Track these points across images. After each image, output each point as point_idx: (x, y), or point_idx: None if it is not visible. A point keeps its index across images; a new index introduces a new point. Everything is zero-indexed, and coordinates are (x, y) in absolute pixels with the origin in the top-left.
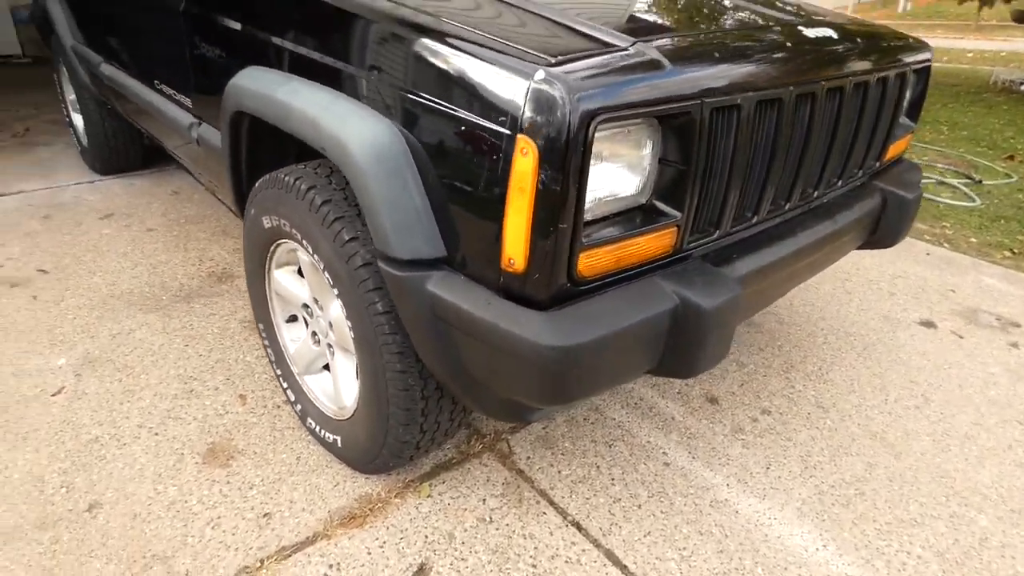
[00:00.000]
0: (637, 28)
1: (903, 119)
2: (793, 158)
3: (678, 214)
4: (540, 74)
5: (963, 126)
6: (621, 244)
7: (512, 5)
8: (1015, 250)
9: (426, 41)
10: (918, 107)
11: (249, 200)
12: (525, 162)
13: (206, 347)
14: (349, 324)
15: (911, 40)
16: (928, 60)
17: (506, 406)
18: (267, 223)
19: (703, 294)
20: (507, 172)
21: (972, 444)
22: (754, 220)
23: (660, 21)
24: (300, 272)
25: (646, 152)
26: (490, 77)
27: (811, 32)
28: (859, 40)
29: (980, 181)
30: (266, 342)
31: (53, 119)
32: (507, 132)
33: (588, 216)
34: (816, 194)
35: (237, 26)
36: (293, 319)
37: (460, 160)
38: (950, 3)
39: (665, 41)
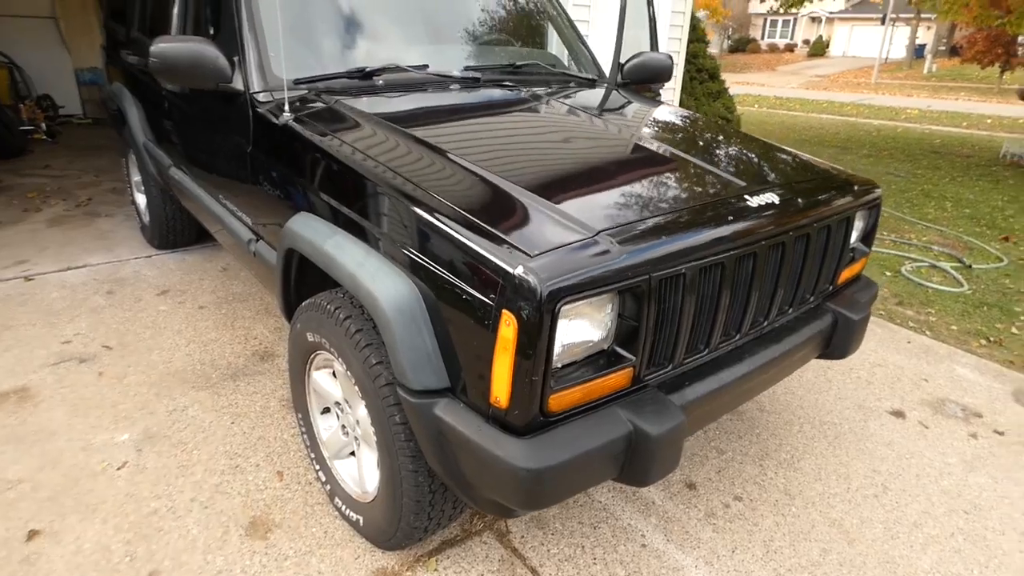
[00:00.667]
0: (604, 213)
1: (858, 245)
2: (739, 302)
3: (633, 357)
4: (520, 269)
5: (967, 203)
6: (586, 385)
7: (504, 191)
8: (991, 338)
9: (436, 223)
10: (871, 235)
11: (296, 314)
12: (508, 330)
13: (249, 424)
14: (373, 429)
15: (857, 185)
16: (876, 199)
17: (493, 504)
18: (310, 337)
19: (652, 422)
20: (494, 335)
21: (919, 531)
22: (706, 352)
23: (619, 201)
24: (334, 373)
25: (606, 313)
26: (485, 261)
27: (754, 200)
28: (800, 200)
29: (970, 266)
30: (303, 428)
31: (112, 187)
32: (494, 306)
33: (558, 364)
34: (766, 323)
35: (293, 178)
36: (326, 411)
37: (460, 318)
38: (973, 67)
39: (621, 225)
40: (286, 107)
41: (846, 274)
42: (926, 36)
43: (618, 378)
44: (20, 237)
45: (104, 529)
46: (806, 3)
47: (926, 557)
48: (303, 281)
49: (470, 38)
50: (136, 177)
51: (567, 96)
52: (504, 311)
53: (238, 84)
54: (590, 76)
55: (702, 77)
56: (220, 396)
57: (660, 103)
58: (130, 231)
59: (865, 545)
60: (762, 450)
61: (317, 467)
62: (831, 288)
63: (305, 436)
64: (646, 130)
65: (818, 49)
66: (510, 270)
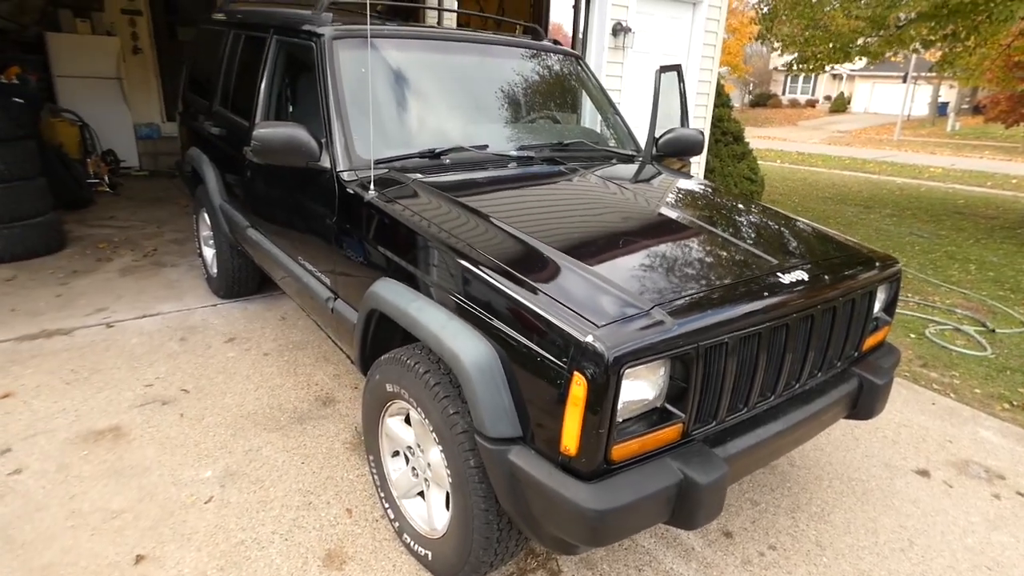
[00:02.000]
0: (654, 286)
1: (881, 315)
2: (774, 366)
3: (683, 415)
4: (590, 337)
5: (991, 266)
6: (642, 438)
7: (569, 267)
8: (1014, 402)
9: (512, 294)
10: (893, 306)
11: (374, 367)
12: (578, 390)
13: (318, 465)
14: (448, 472)
15: (878, 260)
16: (896, 273)
17: (558, 541)
18: (389, 388)
19: (699, 472)
20: (565, 393)
21: None
22: (744, 410)
23: (668, 276)
24: (406, 420)
25: (660, 375)
26: (559, 330)
27: (786, 277)
28: (827, 276)
29: (993, 331)
30: (373, 470)
31: (174, 238)
32: (566, 368)
33: (620, 419)
34: (798, 385)
35: (376, 247)
36: (396, 454)
37: (534, 377)
38: (998, 126)
39: (672, 299)
40: (371, 185)
41: (870, 341)
42: (948, 94)
43: (669, 432)
44: (97, 286)
45: (199, 556)
46: (827, 68)
47: None
48: (377, 336)
49: (523, 118)
50: (205, 233)
51: (613, 173)
52: (575, 372)
53: (325, 163)
54: (629, 151)
55: (727, 140)
56: (289, 438)
57: (693, 178)
58: (195, 281)
59: None
60: (794, 503)
61: (386, 505)
62: (856, 354)
63: (375, 476)
64: (686, 208)
65: (839, 105)
66: (581, 338)
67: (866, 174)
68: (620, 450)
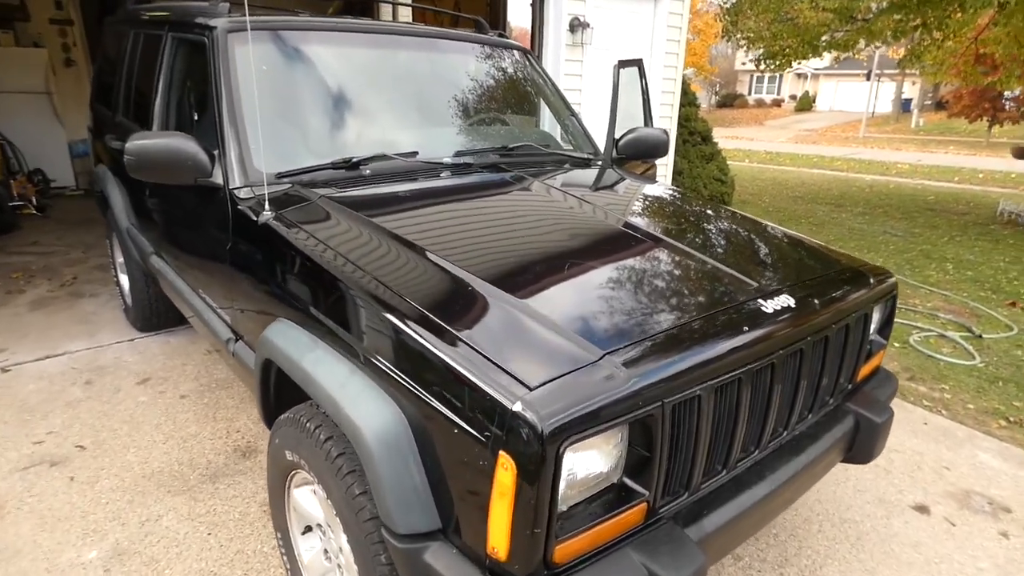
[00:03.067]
0: (607, 326)
1: (875, 337)
2: (757, 416)
3: (646, 492)
4: (519, 404)
5: (968, 265)
6: (595, 528)
7: (499, 303)
8: (1011, 418)
9: (423, 342)
10: (888, 326)
11: (275, 428)
12: (505, 475)
13: (227, 535)
14: (356, 566)
15: (872, 276)
16: (892, 289)
17: None
18: (289, 456)
19: (669, 567)
20: (490, 479)
21: None
22: (724, 473)
23: (623, 311)
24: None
25: (616, 443)
26: (478, 393)
27: (769, 304)
28: (817, 300)
29: (980, 336)
30: (282, 549)
31: (99, 264)
32: (489, 447)
33: (563, 507)
34: (786, 433)
35: (272, 281)
36: (308, 530)
37: (453, 454)
38: (961, 121)
39: (628, 343)
40: (266, 204)
41: (865, 370)
42: (911, 91)
43: (630, 516)
44: (1, 323)
45: None
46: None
47: None
48: (284, 384)
49: (460, 120)
50: (120, 259)
51: (566, 181)
52: (501, 453)
53: (218, 179)
54: (585, 155)
55: (695, 140)
56: (197, 502)
57: (658, 183)
58: (114, 312)
59: None
60: (781, 555)
61: None
62: (850, 386)
63: (285, 558)
64: (650, 221)
65: (805, 104)
66: (507, 405)
67: (835, 172)
68: (565, 549)
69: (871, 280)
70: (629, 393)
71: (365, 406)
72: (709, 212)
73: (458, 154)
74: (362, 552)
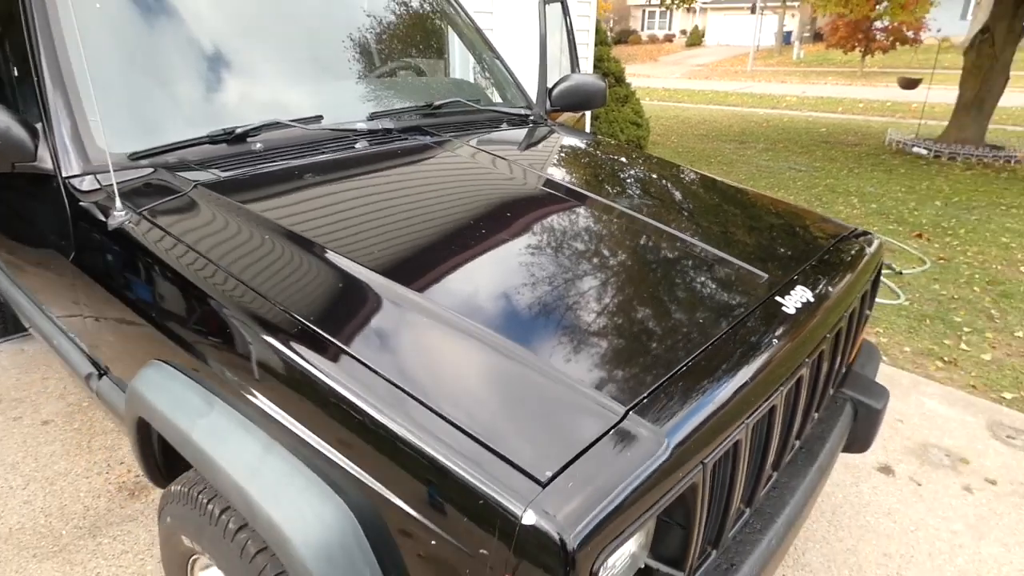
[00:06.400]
0: (616, 367)
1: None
2: (784, 436)
3: (680, 573)
4: (530, 514)
5: (871, 197)
6: None
7: (474, 340)
8: (945, 358)
9: (379, 416)
10: (874, 292)
11: (163, 503)
12: None
13: None
14: None
15: (867, 246)
16: (880, 255)
17: None
18: (187, 542)
19: None
20: None
21: None
22: (747, 512)
23: (631, 339)
24: None
25: (645, 526)
26: (466, 495)
27: (788, 302)
28: (831, 287)
29: (900, 272)
30: None
31: None
32: (489, 568)
33: None
34: (799, 443)
35: (139, 308)
36: None
37: (429, 571)
38: (837, 52)
39: (652, 391)
40: (117, 201)
41: (855, 351)
42: (792, 23)
43: None
44: None
45: None
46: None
47: None
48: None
49: (370, 73)
50: None
51: (507, 149)
52: None
53: (46, 163)
54: (521, 110)
55: (609, 82)
56: (74, 565)
57: (610, 143)
58: None
59: None
60: None
61: None
62: (845, 370)
63: None
64: (627, 198)
65: (695, 39)
66: (514, 514)
67: (730, 107)
68: None
69: (866, 249)
70: (668, 465)
71: (293, 503)
72: (682, 179)
73: (372, 117)
74: None
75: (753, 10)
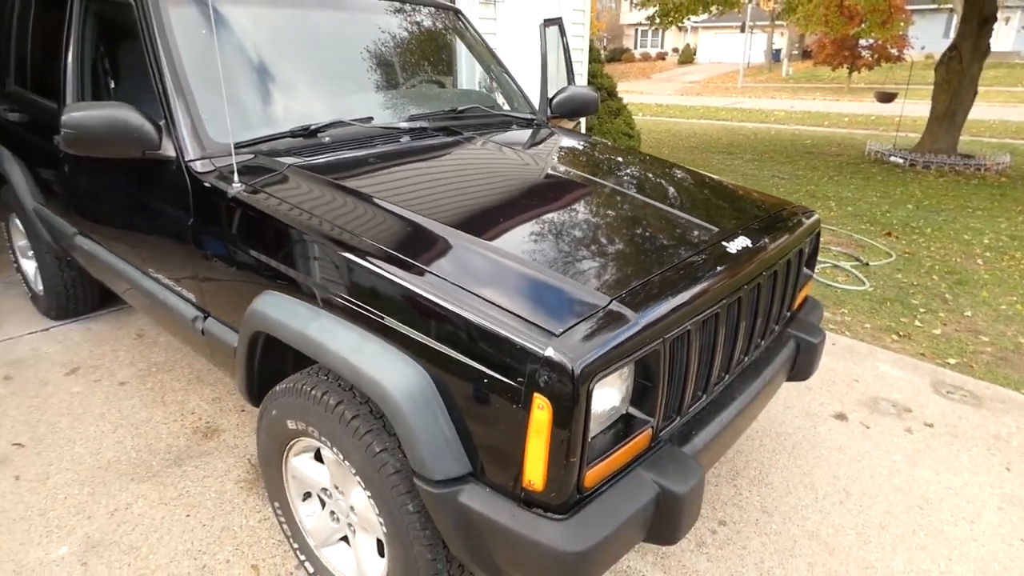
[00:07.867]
0: (604, 274)
1: (804, 270)
2: (730, 344)
3: (651, 418)
4: (550, 350)
5: (847, 201)
6: (614, 455)
7: (501, 260)
8: (900, 333)
9: (440, 302)
10: (814, 259)
11: (268, 401)
12: (542, 415)
13: (208, 515)
14: (380, 520)
15: (803, 215)
16: (817, 225)
17: None
18: (292, 425)
19: (677, 481)
20: (525, 420)
21: (886, 533)
22: (704, 398)
23: (615, 259)
24: (316, 456)
25: (626, 378)
26: (506, 344)
27: (732, 245)
28: (767, 239)
29: (867, 264)
30: (281, 518)
31: None
32: (523, 390)
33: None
34: (747, 359)
35: (254, 254)
36: (307, 496)
37: (481, 402)
38: (825, 68)
39: (629, 288)
40: (235, 176)
41: (799, 298)
42: (781, 41)
43: (640, 441)
44: None
45: None
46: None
47: (897, 558)
48: (266, 360)
49: (406, 84)
50: (21, 242)
51: (517, 143)
52: (536, 395)
53: (169, 151)
54: (526, 116)
55: (601, 96)
56: (167, 486)
57: (602, 141)
58: (16, 302)
59: (844, 554)
60: (732, 469)
61: (303, 557)
62: (789, 314)
63: (285, 526)
64: (611, 177)
65: (687, 57)
66: (539, 351)
67: (721, 121)
68: (593, 475)
69: (803, 219)
70: (639, 332)
71: (386, 367)
72: (656, 165)
73: (411, 118)
74: (387, 505)
75: (743, 29)
